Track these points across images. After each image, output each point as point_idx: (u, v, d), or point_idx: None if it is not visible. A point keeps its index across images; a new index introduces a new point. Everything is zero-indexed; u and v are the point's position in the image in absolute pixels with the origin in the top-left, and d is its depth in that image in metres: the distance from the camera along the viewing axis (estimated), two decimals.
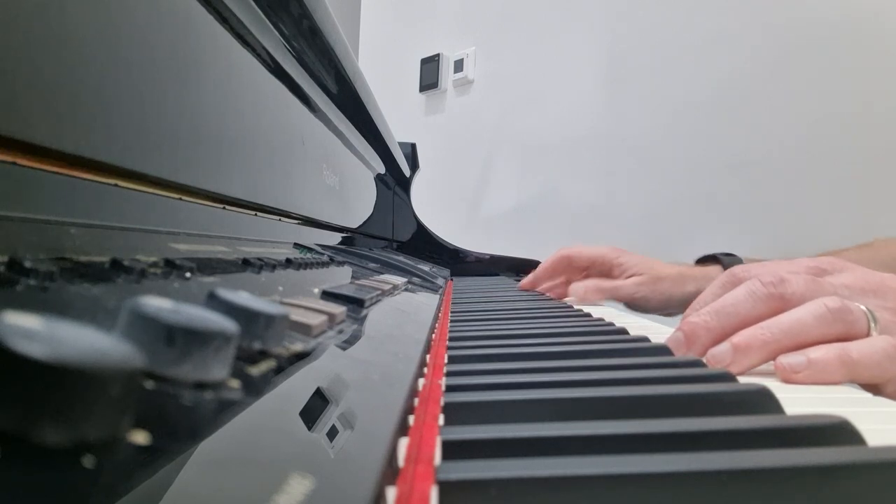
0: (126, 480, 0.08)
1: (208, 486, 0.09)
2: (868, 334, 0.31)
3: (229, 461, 0.10)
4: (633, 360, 0.30)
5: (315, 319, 0.22)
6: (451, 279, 1.06)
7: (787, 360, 0.30)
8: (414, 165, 1.28)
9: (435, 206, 1.53)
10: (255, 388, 0.14)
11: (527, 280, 0.81)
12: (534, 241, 1.57)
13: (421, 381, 0.24)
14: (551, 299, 0.72)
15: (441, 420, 0.19)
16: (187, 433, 0.10)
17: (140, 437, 0.09)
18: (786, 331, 0.31)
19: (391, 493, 0.13)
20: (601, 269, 0.79)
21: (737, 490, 0.14)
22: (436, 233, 1.24)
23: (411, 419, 0.18)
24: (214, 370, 0.12)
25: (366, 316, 0.32)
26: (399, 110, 1.94)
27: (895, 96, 1.10)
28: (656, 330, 0.48)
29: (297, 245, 0.50)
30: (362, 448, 0.13)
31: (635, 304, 0.77)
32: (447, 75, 1.91)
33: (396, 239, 1.19)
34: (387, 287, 0.44)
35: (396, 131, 1.07)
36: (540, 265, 0.81)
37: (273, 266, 0.32)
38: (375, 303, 0.36)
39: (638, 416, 0.20)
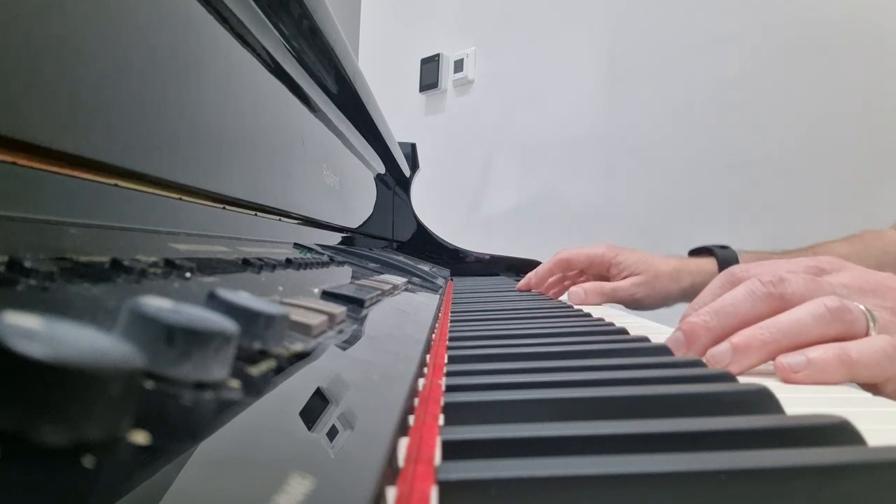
0: (126, 480, 0.08)
1: (208, 486, 0.09)
2: (867, 334, 0.31)
3: (229, 461, 0.10)
4: (633, 360, 0.30)
5: (315, 319, 0.22)
6: (451, 279, 1.06)
7: (786, 359, 0.30)
8: (414, 165, 1.28)
9: (435, 206, 1.53)
10: (255, 388, 0.14)
11: (525, 282, 0.81)
12: (534, 241, 1.57)
13: (421, 381, 0.24)
14: (551, 299, 0.72)
15: (441, 420, 0.19)
16: (187, 433, 0.10)
17: (140, 437, 0.09)
18: (785, 331, 0.31)
19: (391, 493, 0.13)
20: (599, 269, 0.79)
21: (737, 490, 0.14)
22: (436, 233, 1.24)
23: (411, 419, 0.18)
24: (214, 370, 0.12)
25: (366, 316, 0.32)
26: (399, 110, 1.94)
27: (895, 96, 1.10)
28: (656, 330, 0.48)
29: (297, 245, 0.50)
30: (362, 448, 0.13)
31: (634, 304, 0.77)
32: (447, 75, 1.91)
33: (396, 239, 1.19)
34: (387, 287, 0.44)
35: (396, 131, 1.07)
36: (538, 268, 0.81)
37: (273, 266, 0.32)
38: (375, 303, 0.36)
39: (638, 416, 0.20)
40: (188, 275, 0.22)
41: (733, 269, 0.39)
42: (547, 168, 1.62)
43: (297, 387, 0.16)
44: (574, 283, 0.82)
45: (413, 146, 1.28)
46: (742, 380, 0.25)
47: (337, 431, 0.14)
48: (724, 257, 0.77)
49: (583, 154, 1.54)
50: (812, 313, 0.31)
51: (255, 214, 0.43)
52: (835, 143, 1.15)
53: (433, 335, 0.36)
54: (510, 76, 1.73)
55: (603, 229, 1.44)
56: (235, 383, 0.13)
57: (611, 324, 0.44)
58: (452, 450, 0.16)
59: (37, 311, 0.10)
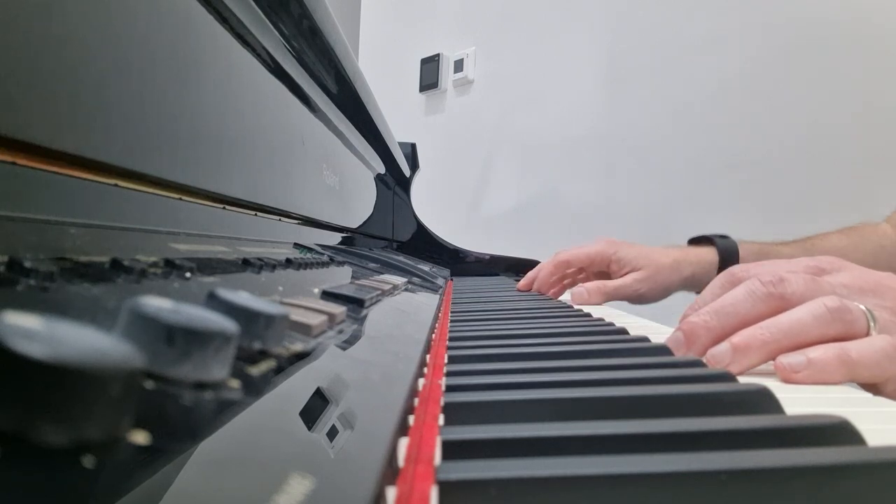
0: (126, 480, 0.08)
1: (208, 486, 0.09)
2: (867, 334, 0.31)
3: (229, 461, 0.10)
4: (633, 360, 0.30)
5: (315, 319, 0.22)
6: (451, 279, 1.06)
7: (786, 359, 0.30)
8: (414, 165, 1.28)
9: (435, 206, 1.53)
10: (255, 388, 0.14)
11: (525, 284, 0.81)
12: (534, 241, 1.57)
13: (421, 381, 0.24)
14: (551, 299, 0.72)
15: (441, 420, 0.19)
16: (187, 433, 0.10)
17: (140, 437, 0.09)
18: (785, 331, 0.31)
19: (391, 493, 0.13)
20: (599, 266, 0.79)
21: (737, 490, 0.14)
22: (436, 233, 1.24)
23: (411, 419, 0.18)
24: (214, 370, 0.12)
25: (366, 316, 0.32)
26: (399, 110, 1.94)
27: (895, 96, 1.10)
28: (656, 330, 0.48)
29: (297, 245, 0.50)
30: (362, 448, 0.13)
31: (637, 300, 0.77)
32: (447, 75, 1.91)
33: (396, 239, 1.19)
34: (387, 287, 0.44)
35: (396, 131, 1.07)
36: (540, 272, 0.80)
37: (273, 266, 0.32)
38: (375, 303, 0.36)
39: (638, 416, 0.20)
40: (188, 275, 0.22)
41: (733, 269, 0.39)
42: (547, 168, 1.62)
43: (297, 387, 0.16)
44: (574, 282, 0.82)
45: (413, 146, 1.28)
46: (742, 380, 0.25)
47: (337, 431, 0.14)
48: (724, 247, 0.77)
49: (583, 154, 1.54)
50: (812, 313, 0.31)
51: (255, 214, 0.43)
52: (835, 143, 1.15)
53: (433, 335, 0.36)
54: (510, 76, 1.73)
55: (603, 229, 1.44)
56: (235, 383, 0.13)
57: (611, 324, 0.44)
58: (452, 450, 0.16)
59: (37, 311, 0.10)
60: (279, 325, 0.17)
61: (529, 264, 1.09)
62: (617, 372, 0.26)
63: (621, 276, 0.76)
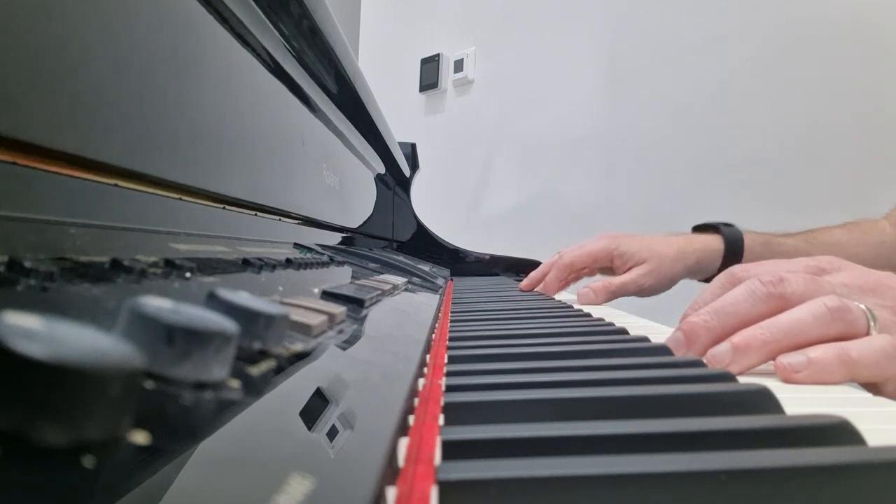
0: (126, 480, 0.08)
1: (208, 486, 0.09)
2: (867, 333, 0.31)
3: (229, 461, 0.10)
4: (633, 360, 0.30)
5: (315, 319, 0.22)
6: (451, 279, 1.06)
7: (786, 359, 0.30)
8: (414, 165, 1.28)
9: (435, 206, 1.53)
10: (255, 388, 0.14)
11: (527, 284, 0.81)
12: (534, 241, 1.57)
13: (421, 381, 0.24)
14: (551, 299, 0.72)
15: (441, 420, 0.19)
16: (187, 433, 0.10)
17: (140, 437, 0.09)
18: (785, 330, 0.31)
19: (391, 493, 0.13)
20: (603, 263, 0.79)
21: (737, 490, 0.14)
22: (436, 233, 1.24)
23: (411, 419, 0.18)
24: (214, 370, 0.12)
25: (366, 316, 0.32)
26: (399, 110, 1.94)
27: (895, 96, 1.10)
28: (656, 330, 0.48)
29: (297, 245, 0.50)
30: (362, 448, 0.13)
31: (642, 293, 0.76)
32: (447, 75, 1.91)
33: (396, 239, 1.19)
34: (387, 287, 0.44)
35: (396, 131, 1.07)
36: (546, 279, 0.79)
37: (273, 266, 0.32)
38: (375, 303, 0.36)
39: (638, 416, 0.20)
40: (188, 275, 0.22)
41: (733, 269, 0.39)
42: (547, 168, 1.62)
43: (297, 387, 0.16)
44: (578, 278, 0.81)
45: (413, 146, 1.28)
46: (742, 380, 0.25)
47: (337, 431, 0.14)
48: (730, 234, 0.77)
49: (583, 154, 1.54)
50: (812, 313, 0.31)
51: (255, 214, 0.43)
52: (835, 144, 1.15)
53: (433, 335, 0.36)
54: (510, 76, 1.73)
55: (603, 229, 1.42)
56: (235, 383, 0.13)
57: (611, 324, 0.44)
58: (452, 450, 0.16)
59: (37, 311, 0.10)
60: (279, 325, 0.17)
61: (529, 264, 1.09)
62: (617, 372, 0.26)
63: (625, 270, 0.76)
